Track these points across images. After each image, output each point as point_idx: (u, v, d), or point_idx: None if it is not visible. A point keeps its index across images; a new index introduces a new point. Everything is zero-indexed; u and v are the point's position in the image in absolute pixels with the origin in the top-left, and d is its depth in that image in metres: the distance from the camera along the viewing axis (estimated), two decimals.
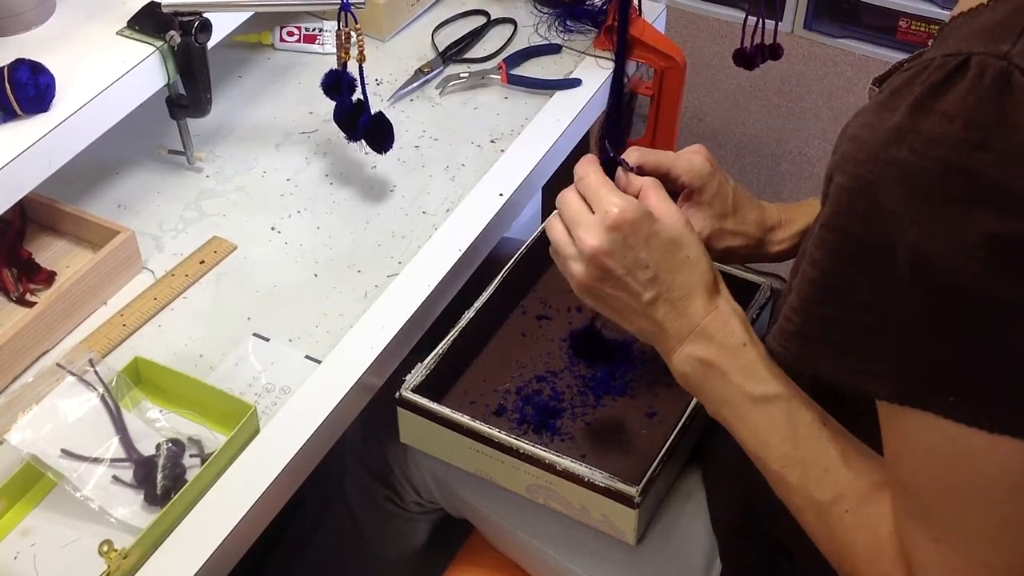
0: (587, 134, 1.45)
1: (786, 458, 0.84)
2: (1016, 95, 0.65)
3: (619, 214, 0.86)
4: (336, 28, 1.13)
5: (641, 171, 0.96)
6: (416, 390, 1.07)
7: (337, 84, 1.20)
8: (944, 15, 1.73)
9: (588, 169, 0.91)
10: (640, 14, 1.38)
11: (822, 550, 0.84)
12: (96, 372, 1.03)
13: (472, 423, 1.04)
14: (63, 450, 0.98)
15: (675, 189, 1.00)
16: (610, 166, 0.95)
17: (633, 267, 0.87)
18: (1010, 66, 0.65)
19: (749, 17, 1.34)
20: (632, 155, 0.97)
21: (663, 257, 0.87)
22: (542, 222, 1.22)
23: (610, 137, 1.44)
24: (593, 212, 0.88)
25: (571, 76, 1.40)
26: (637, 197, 0.90)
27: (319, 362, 1.08)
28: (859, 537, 0.80)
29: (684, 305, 0.87)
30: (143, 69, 1.10)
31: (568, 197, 0.91)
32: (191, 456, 1.00)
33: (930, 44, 0.78)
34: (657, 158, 0.98)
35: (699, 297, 0.87)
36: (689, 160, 0.99)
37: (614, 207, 0.87)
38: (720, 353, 0.86)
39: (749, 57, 1.37)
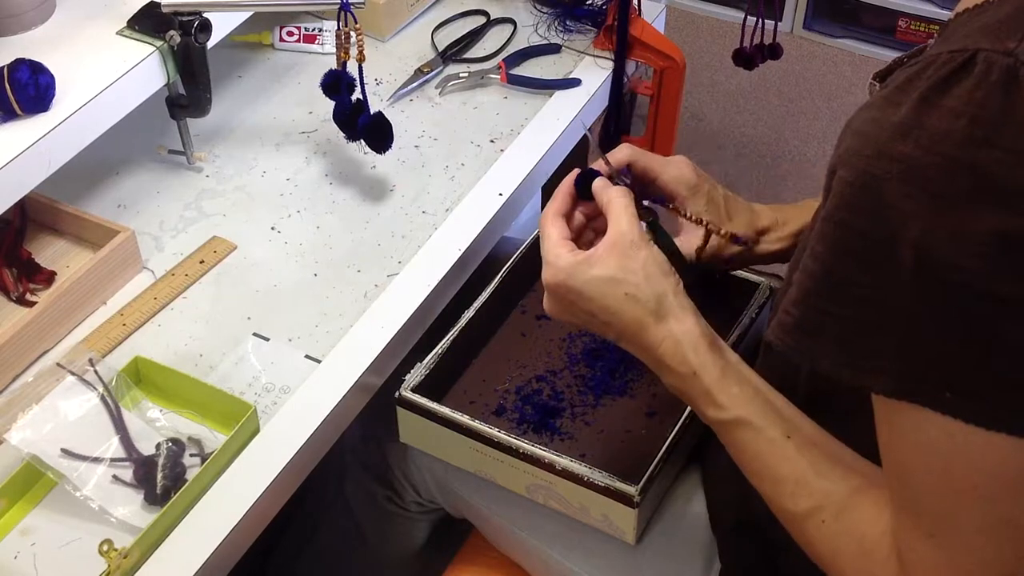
0: (586, 134, 1.45)
1: (758, 475, 0.86)
2: (1022, 91, 0.65)
3: (548, 278, 0.90)
4: (336, 28, 1.14)
5: (631, 170, 0.96)
6: (416, 390, 1.07)
7: (337, 84, 1.20)
8: (944, 15, 1.73)
9: (545, 213, 0.94)
10: (639, 14, 1.38)
11: (811, 557, 0.84)
12: (96, 372, 1.03)
13: (472, 423, 1.04)
14: (63, 450, 0.98)
15: (664, 195, 1.00)
16: (590, 176, 0.95)
17: (585, 317, 0.90)
18: (1016, 63, 0.65)
19: (749, 17, 1.34)
20: (623, 150, 0.98)
21: (603, 303, 0.89)
22: None
23: (609, 137, 1.44)
24: None
25: (570, 76, 1.41)
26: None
27: (319, 362, 1.08)
28: (843, 544, 0.80)
29: (640, 340, 0.89)
30: (143, 69, 1.10)
31: None
32: (191, 456, 1.00)
33: (931, 42, 0.78)
34: (647, 162, 0.99)
35: (649, 329, 0.88)
36: (678, 168, 1.00)
37: (546, 269, 0.90)
38: (678, 382, 0.88)
39: (748, 57, 1.37)
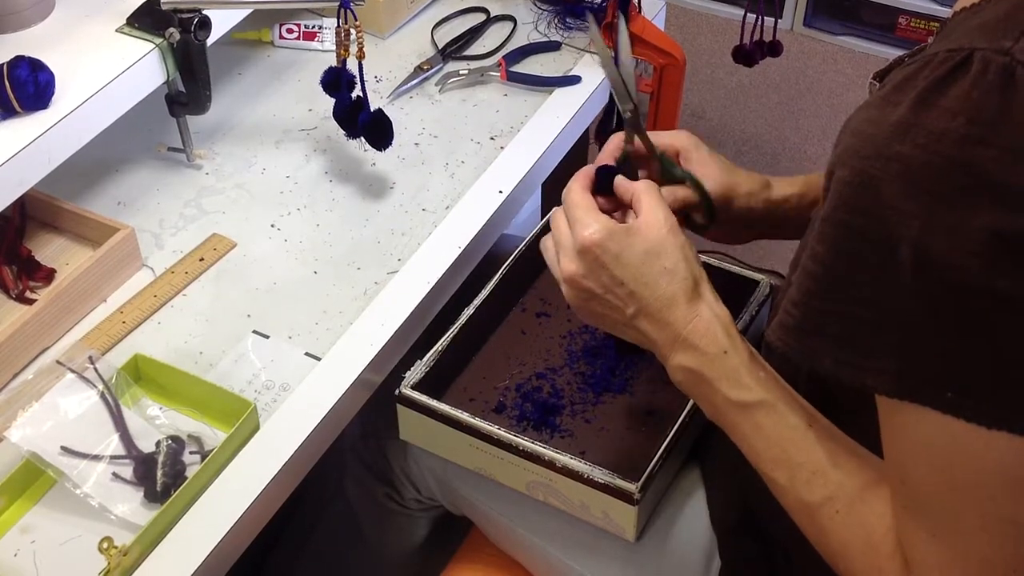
0: (586, 131, 1.45)
1: (775, 462, 0.85)
2: (1019, 91, 0.65)
3: (588, 236, 0.88)
4: (335, 25, 1.14)
5: (627, 159, 0.97)
6: (416, 387, 1.07)
7: (336, 81, 1.20)
8: (943, 12, 1.73)
9: (571, 186, 0.93)
10: (640, 11, 1.38)
11: (817, 549, 0.84)
12: (96, 369, 1.03)
13: (472, 420, 1.04)
14: (63, 447, 0.98)
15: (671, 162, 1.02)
16: (608, 171, 0.96)
17: (610, 285, 0.89)
18: (1013, 62, 0.65)
19: (749, 14, 1.34)
20: (612, 142, 0.98)
21: (638, 272, 0.88)
22: (542, 219, 1.22)
23: (606, 129, 1.44)
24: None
25: (570, 73, 1.40)
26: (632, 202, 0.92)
27: (319, 359, 1.08)
28: (853, 536, 0.80)
29: (665, 315, 0.88)
30: (142, 66, 1.10)
31: (557, 217, 0.93)
32: (191, 453, 1.00)
33: (930, 40, 0.78)
34: (640, 141, 0.99)
35: (679, 306, 0.88)
36: (671, 134, 1.02)
37: (585, 229, 0.89)
38: (703, 362, 0.87)
39: (748, 54, 1.37)
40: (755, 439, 0.86)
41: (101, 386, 1.02)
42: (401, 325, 1.10)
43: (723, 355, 0.86)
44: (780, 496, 0.85)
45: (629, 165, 0.98)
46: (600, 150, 1.01)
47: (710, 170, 1.02)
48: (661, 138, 1.02)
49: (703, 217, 1.02)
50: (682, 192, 1.00)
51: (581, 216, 0.90)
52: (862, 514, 0.80)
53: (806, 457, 0.83)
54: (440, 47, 1.44)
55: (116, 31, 1.12)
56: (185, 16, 1.11)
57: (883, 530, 0.78)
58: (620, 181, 0.94)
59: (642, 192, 0.91)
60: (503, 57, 1.41)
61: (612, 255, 0.88)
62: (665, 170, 1.01)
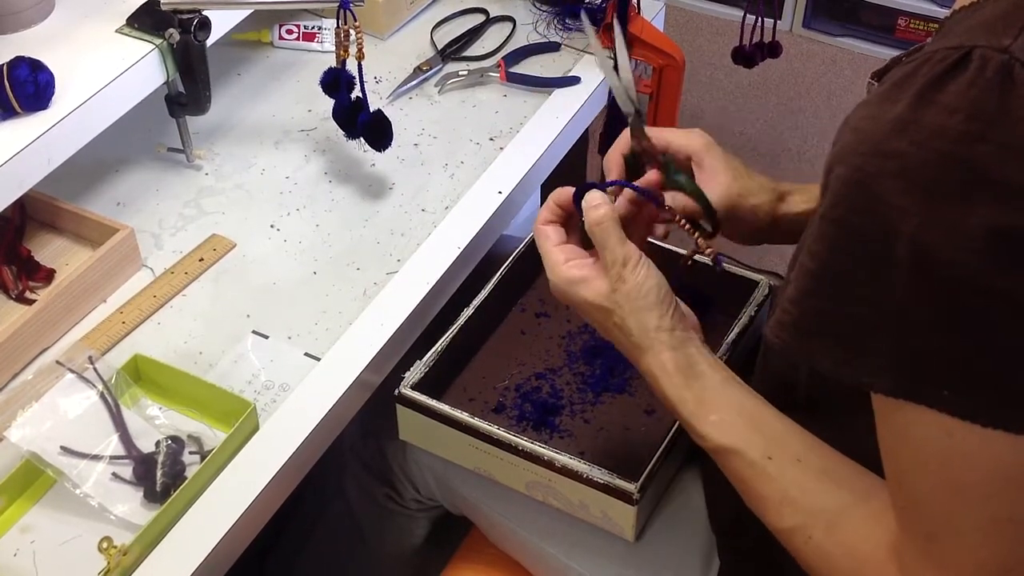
0: (586, 132, 1.45)
1: (745, 495, 0.87)
2: (1017, 88, 0.65)
3: (551, 285, 0.91)
4: (335, 26, 1.14)
5: (636, 157, 0.98)
6: (415, 387, 1.07)
7: (336, 82, 1.20)
8: (943, 14, 1.73)
9: (535, 233, 0.94)
10: (639, 12, 1.38)
11: (807, 572, 0.84)
12: (95, 369, 1.03)
13: (471, 420, 1.04)
14: (63, 447, 0.98)
15: (685, 165, 1.01)
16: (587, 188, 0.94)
17: (596, 324, 0.92)
18: (1011, 59, 0.65)
19: (748, 15, 1.34)
20: (621, 139, 0.97)
21: (597, 325, 0.91)
22: None
23: (609, 135, 1.44)
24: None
25: (570, 74, 1.41)
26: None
27: (318, 359, 1.08)
28: (836, 560, 0.80)
29: (633, 360, 0.91)
30: (142, 67, 1.11)
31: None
32: (190, 453, 1.00)
33: (928, 41, 0.78)
34: (655, 135, 0.99)
35: (634, 356, 0.90)
36: (686, 134, 1.02)
37: (548, 271, 0.91)
38: (665, 407, 0.90)
39: (748, 55, 1.37)
40: (726, 474, 0.88)
41: (101, 386, 1.02)
42: (400, 325, 1.10)
43: (673, 408, 0.89)
44: (762, 520, 0.86)
45: (637, 162, 0.98)
46: (604, 160, 1.01)
47: (719, 178, 1.00)
48: (675, 136, 1.01)
49: (708, 224, 0.99)
50: (682, 199, 0.97)
51: (544, 259, 0.92)
52: (843, 535, 0.80)
53: (770, 489, 0.84)
54: (439, 48, 1.44)
55: (116, 32, 1.12)
56: (185, 17, 1.11)
57: (870, 549, 0.78)
58: (585, 209, 0.89)
59: (594, 231, 0.88)
60: (502, 58, 1.41)
61: (574, 305, 0.91)
62: (668, 177, 0.98)
